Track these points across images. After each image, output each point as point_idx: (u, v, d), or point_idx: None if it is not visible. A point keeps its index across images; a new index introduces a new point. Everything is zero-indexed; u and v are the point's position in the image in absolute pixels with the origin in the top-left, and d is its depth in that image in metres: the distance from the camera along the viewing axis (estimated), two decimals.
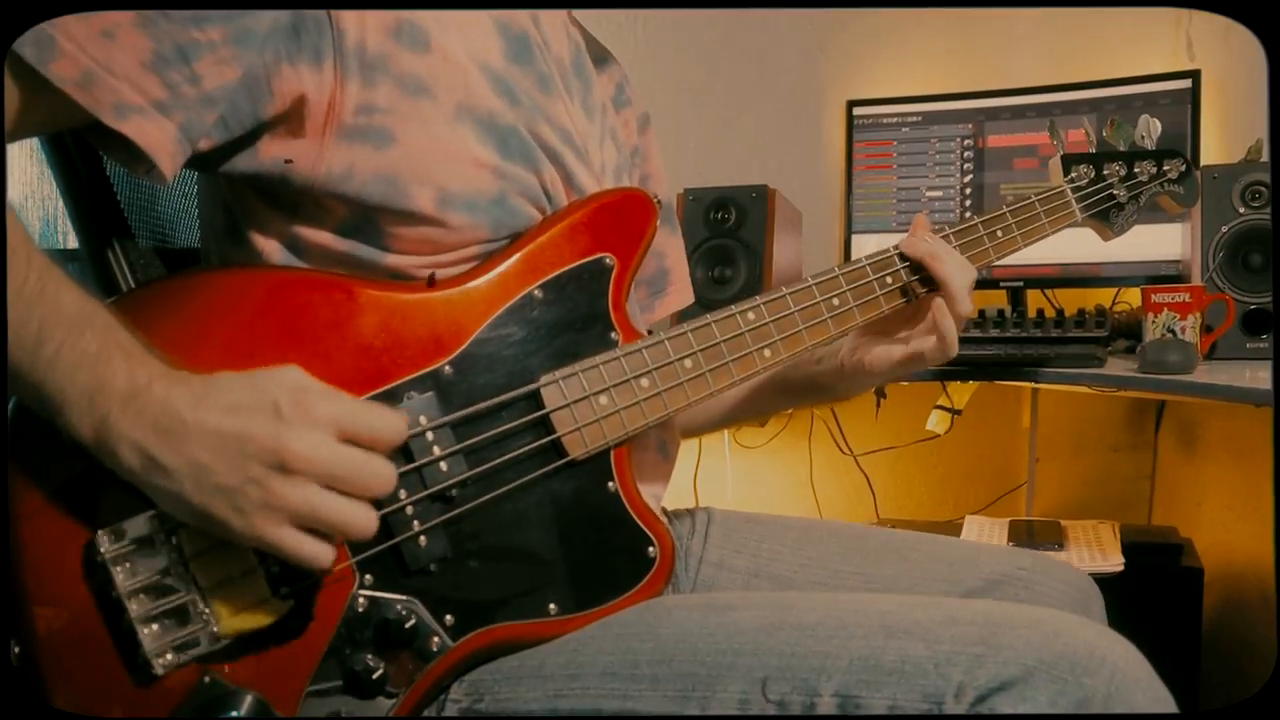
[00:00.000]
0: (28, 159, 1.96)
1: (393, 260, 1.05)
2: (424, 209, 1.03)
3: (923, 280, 1.25)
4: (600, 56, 1.37)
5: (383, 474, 0.90)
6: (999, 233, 1.34)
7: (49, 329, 0.84)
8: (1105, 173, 1.46)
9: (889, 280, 1.25)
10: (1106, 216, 1.47)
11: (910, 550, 1.30)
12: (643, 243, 1.13)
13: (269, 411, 0.86)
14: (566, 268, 1.09)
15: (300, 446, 0.85)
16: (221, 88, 0.95)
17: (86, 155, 1.16)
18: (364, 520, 0.89)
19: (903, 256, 1.25)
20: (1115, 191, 1.46)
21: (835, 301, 1.21)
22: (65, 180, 1.16)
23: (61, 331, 0.85)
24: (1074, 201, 1.42)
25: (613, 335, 1.10)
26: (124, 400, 0.85)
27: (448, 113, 1.04)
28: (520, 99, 1.10)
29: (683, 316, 1.35)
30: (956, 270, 1.23)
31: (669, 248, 1.44)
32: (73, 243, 1.19)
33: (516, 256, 1.07)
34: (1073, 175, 1.45)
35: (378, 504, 0.95)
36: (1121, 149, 1.50)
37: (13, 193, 2.04)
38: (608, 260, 1.11)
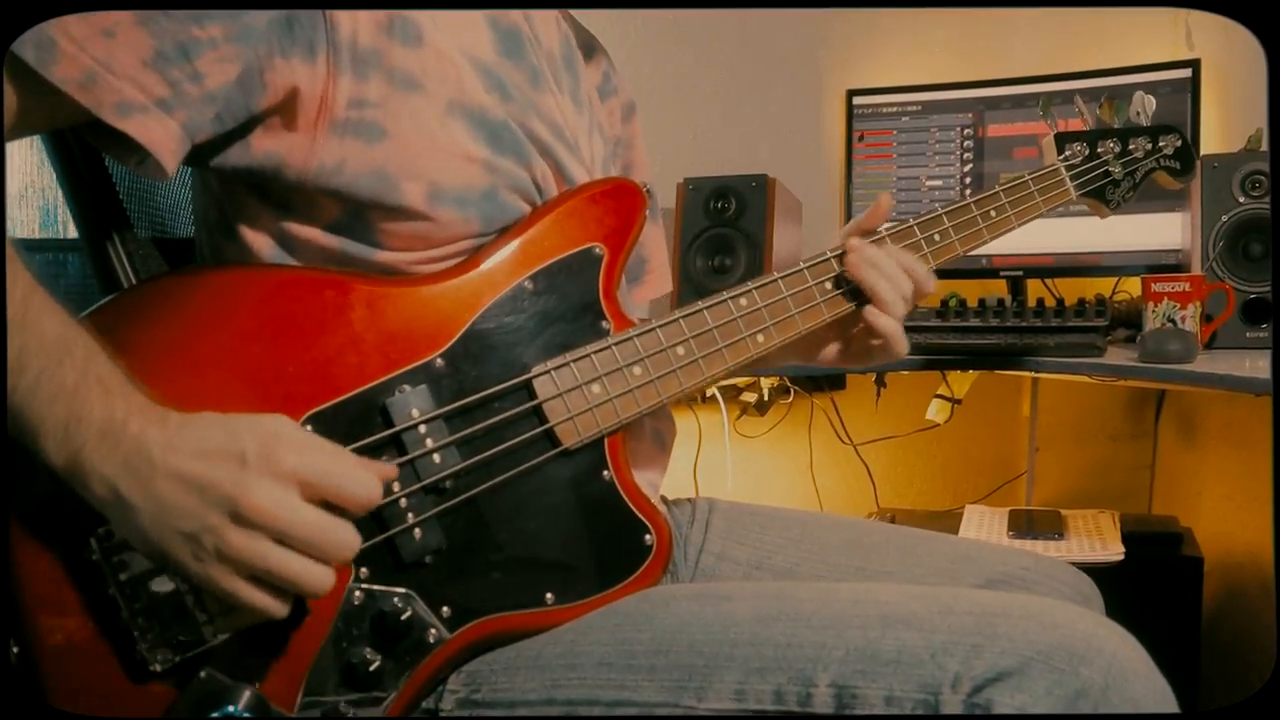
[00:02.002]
0: (27, 149, 1.96)
1: (383, 256, 1.05)
2: (414, 204, 1.03)
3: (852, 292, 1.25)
4: (588, 45, 1.36)
5: (342, 541, 0.87)
6: (992, 212, 1.33)
7: (28, 357, 0.83)
8: (1100, 150, 1.45)
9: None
10: (1102, 194, 1.46)
11: (912, 547, 1.29)
12: (632, 232, 1.13)
13: (235, 459, 0.84)
14: (556, 258, 1.09)
15: (257, 499, 0.84)
16: (223, 85, 0.95)
17: (85, 146, 1.16)
18: (318, 580, 0.86)
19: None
20: (1111, 169, 1.45)
21: (828, 285, 1.22)
22: (64, 171, 1.17)
23: (40, 361, 0.84)
24: (1068, 180, 1.41)
25: (604, 324, 1.10)
26: (99, 435, 0.84)
27: (439, 108, 1.04)
28: (511, 93, 1.10)
29: (681, 303, 1.36)
30: (888, 291, 1.22)
31: (647, 236, 1.44)
32: (72, 232, 1.20)
33: (507, 248, 1.07)
34: (1066, 154, 1.44)
35: None
36: (1117, 127, 1.49)
37: (12, 184, 2.04)
38: (597, 250, 1.11)
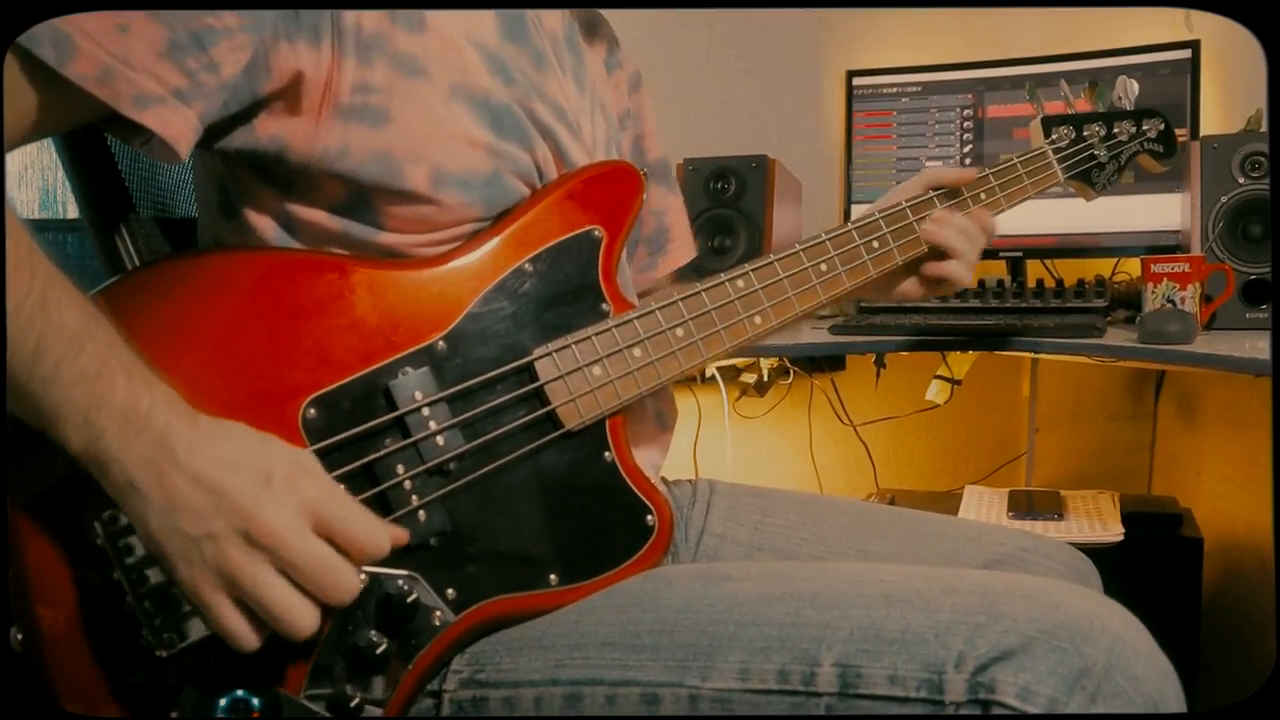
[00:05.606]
0: None
1: (386, 239, 1.05)
2: (418, 188, 1.03)
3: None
4: (591, 22, 1.36)
5: (344, 584, 0.87)
6: (982, 195, 1.37)
7: (48, 345, 0.83)
8: (1085, 134, 1.49)
9: (875, 245, 1.27)
10: (1088, 177, 1.50)
11: (913, 528, 1.30)
12: (630, 213, 1.14)
13: (259, 476, 0.84)
14: (556, 240, 1.09)
15: (271, 520, 0.83)
16: (236, 73, 0.95)
17: (88, 127, 1.16)
18: (303, 621, 0.85)
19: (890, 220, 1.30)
20: (1096, 152, 1.49)
21: (823, 268, 1.23)
22: (67, 151, 1.17)
23: (60, 348, 0.83)
24: (1055, 163, 1.45)
25: (604, 306, 1.10)
26: (121, 422, 0.83)
27: (443, 92, 1.04)
28: (515, 76, 1.10)
29: (680, 279, 1.36)
30: (967, 248, 1.33)
31: (667, 205, 1.45)
32: (72, 213, 1.20)
33: (506, 231, 1.08)
34: (1053, 137, 1.48)
35: (375, 482, 0.96)
36: (1101, 111, 1.53)
37: (12, 165, 2.03)
38: (596, 232, 1.11)
